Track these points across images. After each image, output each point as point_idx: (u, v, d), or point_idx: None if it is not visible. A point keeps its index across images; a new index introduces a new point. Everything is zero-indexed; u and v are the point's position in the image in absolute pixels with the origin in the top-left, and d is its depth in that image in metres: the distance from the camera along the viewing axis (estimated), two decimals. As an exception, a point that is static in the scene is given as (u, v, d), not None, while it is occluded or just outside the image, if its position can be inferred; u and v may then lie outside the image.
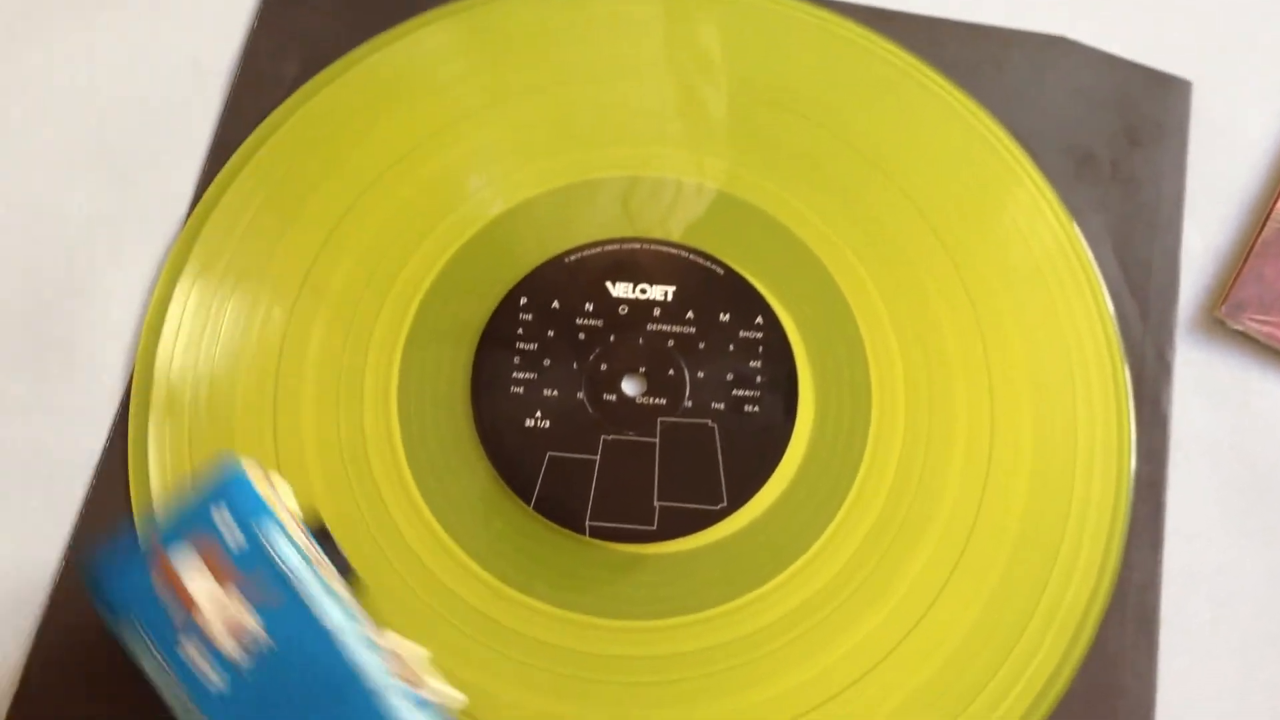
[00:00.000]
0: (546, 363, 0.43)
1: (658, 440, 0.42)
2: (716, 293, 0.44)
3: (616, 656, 0.40)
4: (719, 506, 0.41)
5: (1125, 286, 0.45)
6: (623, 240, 0.45)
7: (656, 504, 0.41)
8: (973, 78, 0.48)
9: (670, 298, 0.44)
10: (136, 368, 0.43)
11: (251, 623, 0.31)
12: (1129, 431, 0.43)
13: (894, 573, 0.41)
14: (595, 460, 0.42)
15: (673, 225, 0.45)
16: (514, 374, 0.43)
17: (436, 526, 0.41)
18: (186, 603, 0.31)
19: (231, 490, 0.33)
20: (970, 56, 0.48)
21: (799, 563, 0.41)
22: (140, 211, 0.45)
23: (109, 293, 0.44)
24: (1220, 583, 0.41)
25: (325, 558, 0.34)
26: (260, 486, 0.33)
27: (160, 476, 0.41)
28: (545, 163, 0.46)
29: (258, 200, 0.45)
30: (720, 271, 0.44)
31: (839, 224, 0.45)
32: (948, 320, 0.44)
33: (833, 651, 0.40)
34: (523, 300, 0.44)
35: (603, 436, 0.42)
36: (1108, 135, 0.47)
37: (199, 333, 0.43)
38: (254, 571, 0.32)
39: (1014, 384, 0.43)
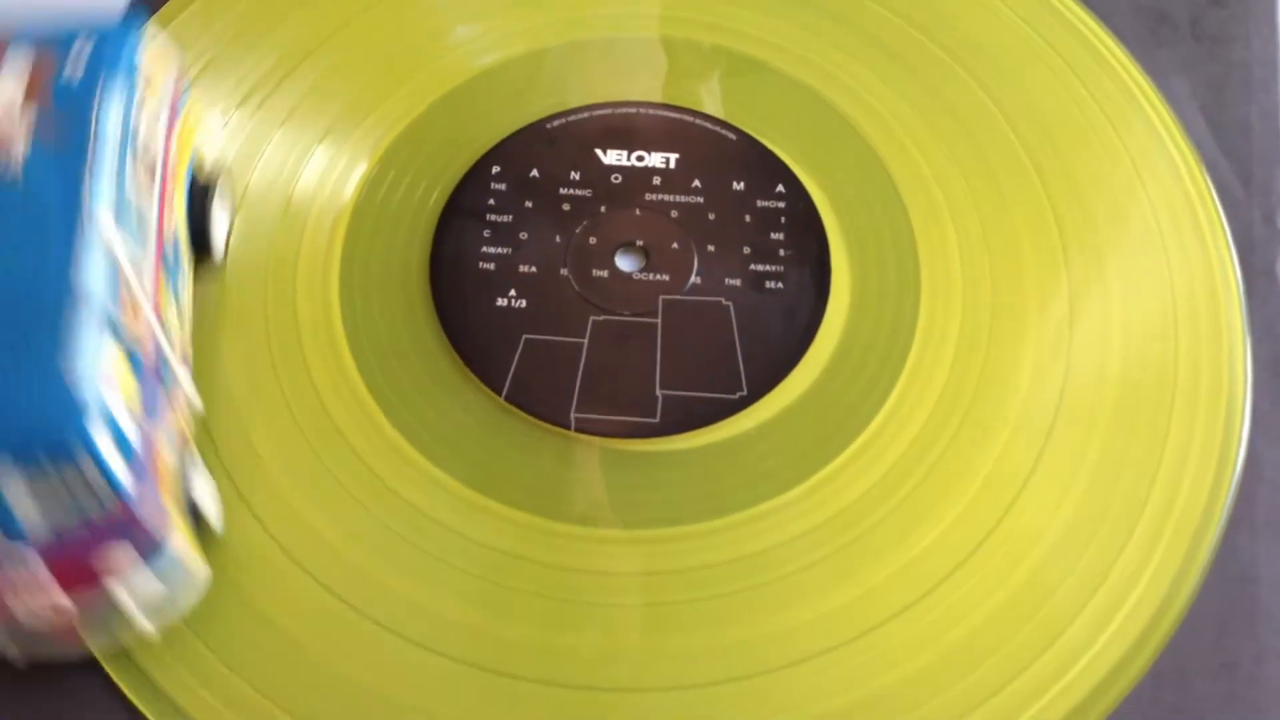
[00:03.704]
0: (523, 236, 0.35)
1: (659, 320, 0.34)
2: (728, 160, 0.37)
3: (611, 573, 0.31)
4: (737, 395, 0.33)
5: (1220, 152, 0.37)
6: (615, 105, 0.38)
7: (659, 393, 0.33)
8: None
9: (673, 165, 0.36)
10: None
11: (19, 148, 0.27)
12: (1239, 306, 0.35)
13: (956, 475, 0.32)
14: (583, 344, 0.34)
15: (676, 88, 0.38)
16: (483, 248, 0.35)
17: (384, 421, 0.33)
18: None
19: (111, 38, 0.29)
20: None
21: (837, 462, 0.32)
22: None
23: None
24: (1376, 473, 0.33)
25: (181, 207, 0.31)
26: (152, 66, 0.30)
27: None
28: (531, 19, 0.39)
29: (202, 40, 0.38)
30: (732, 137, 0.37)
31: (876, 89, 0.38)
32: (1011, 193, 0.36)
33: (878, 571, 0.31)
34: (495, 169, 0.36)
35: (591, 317, 0.34)
36: (1184, -7, 0.40)
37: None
38: (64, 111, 0.27)
39: (1095, 260, 0.35)
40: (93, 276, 0.26)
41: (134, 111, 0.29)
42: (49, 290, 0.25)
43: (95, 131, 0.27)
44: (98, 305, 0.25)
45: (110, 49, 0.29)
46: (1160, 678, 0.30)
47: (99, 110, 0.27)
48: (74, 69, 0.28)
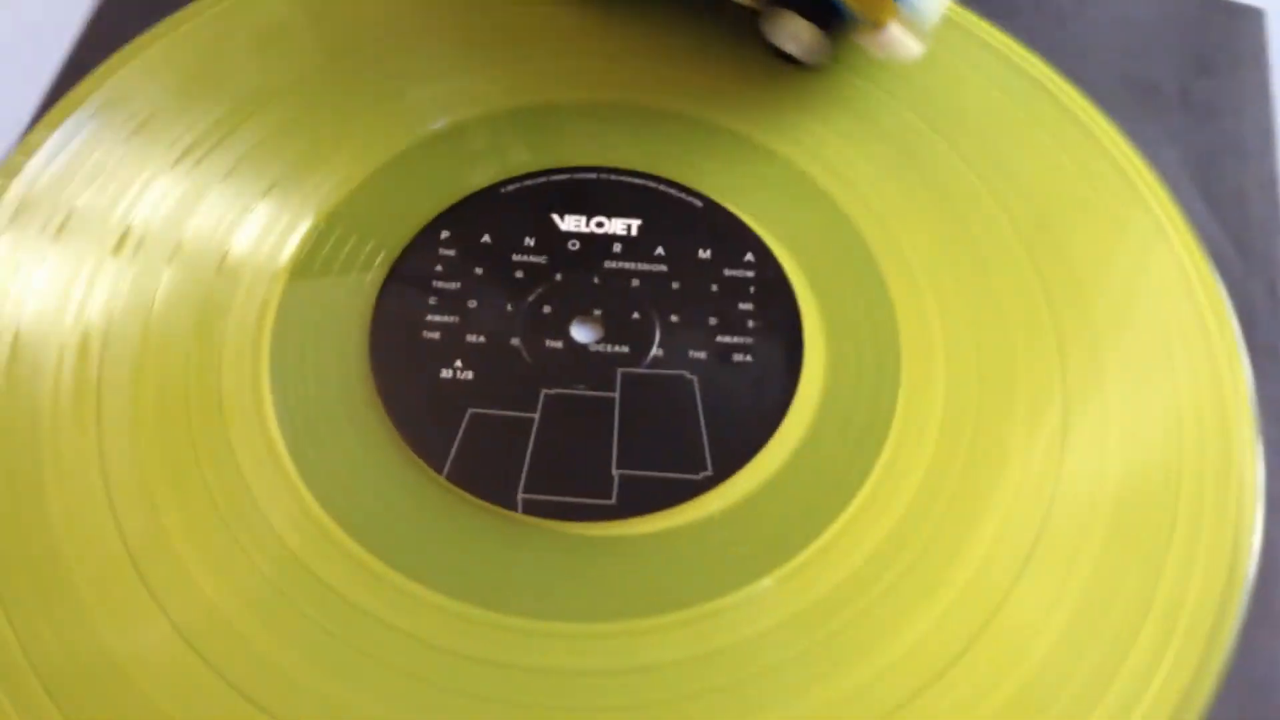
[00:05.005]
0: (472, 304, 0.33)
1: (617, 395, 0.31)
2: (694, 227, 0.34)
3: (561, 671, 0.28)
4: (701, 476, 0.30)
5: (1215, 222, 0.35)
6: (574, 170, 0.35)
7: (615, 473, 0.30)
8: (1008, 14, 0.40)
9: (635, 232, 0.34)
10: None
11: None
12: (1244, 384, 0.32)
13: (945, 562, 0.29)
14: (534, 419, 0.31)
15: (639, 153, 0.36)
16: (428, 317, 0.32)
17: (311, 501, 0.30)
18: None
19: None
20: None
21: (811, 549, 0.29)
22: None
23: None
24: (1403, 563, 0.30)
25: None
26: None
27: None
28: (489, 82, 0.37)
29: (146, 92, 0.36)
30: (698, 204, 0.35)
31: (851, 159, 0.36)
32: (995, 266, 0.34)
33: (859, 670, 0.28)
34: (444, 234, 0.34)
35: (543, 390, 0.31)
36: (1171, 64, 0.39)
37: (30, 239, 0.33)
38: None
39: (1089, 336, 0.33)
40: None
41: None
42: None
43: None
44: None
45: None
46: (1176, 792, 0.26)
47: None
48: None
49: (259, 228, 0.34)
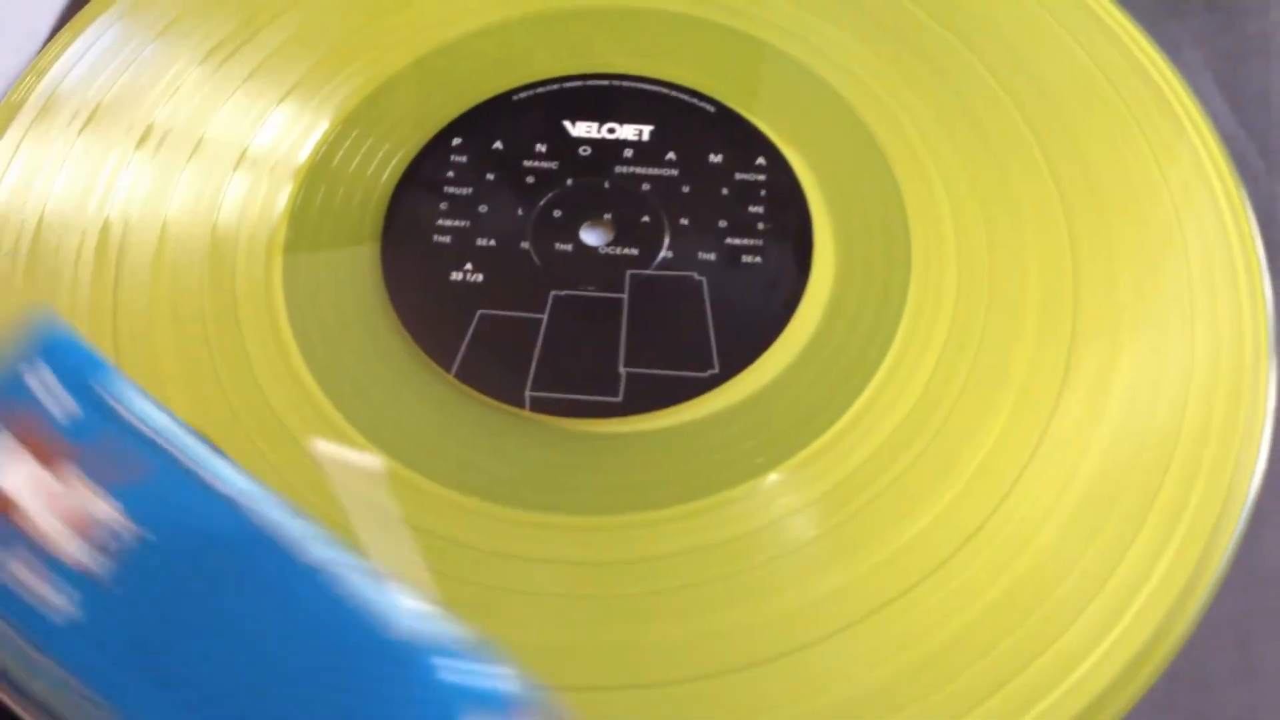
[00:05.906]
0: (482, 209, 0.33)
1: (626, 296, 0.31)
2: (705, 132, 0.34)
3: (568, 562, 0.28)
4: (708, 373, 0.30)
5: (1238, 125, 0.35)
6: (586, 76, 0.35)
7: (623, 370, 0.30)
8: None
9: (646, 137, 0.34)
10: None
11: (106, 510, 0.20)
12: (1262, 292, 0.32)
13: (946, 461, 0.29)
14: (542, 319, 0.31)
15: (651, 60, 0.36)
16: (439, 220, 0.33)
17: (322, 399, 0.30)
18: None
19: (53, 347, 0.22)
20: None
21: (814, 445, 0.29)
22: None
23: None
24: None
25: None
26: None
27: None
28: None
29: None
30: (710, 109, 0.34)
31: (863, 59, 0.36)
32: (1010, 165, 0.34)
33: (859, 562, 0.28)
34: (456, 141, 0.34)
35: (553, 292, 0.31)
36: (1197, -34, 0.38)
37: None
38: (98, 441, 0.21)
39: (1103, 235, 0.32)
40: None
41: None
42: None
43: (153, 429, 0.21)
44: None
45: (67, 356, 0.22)
46: (1176, 680, 0.26)
47: (130, 410, 0.21)
48: (58, 402, 0.21)
49: (278, 129, 0.34)
